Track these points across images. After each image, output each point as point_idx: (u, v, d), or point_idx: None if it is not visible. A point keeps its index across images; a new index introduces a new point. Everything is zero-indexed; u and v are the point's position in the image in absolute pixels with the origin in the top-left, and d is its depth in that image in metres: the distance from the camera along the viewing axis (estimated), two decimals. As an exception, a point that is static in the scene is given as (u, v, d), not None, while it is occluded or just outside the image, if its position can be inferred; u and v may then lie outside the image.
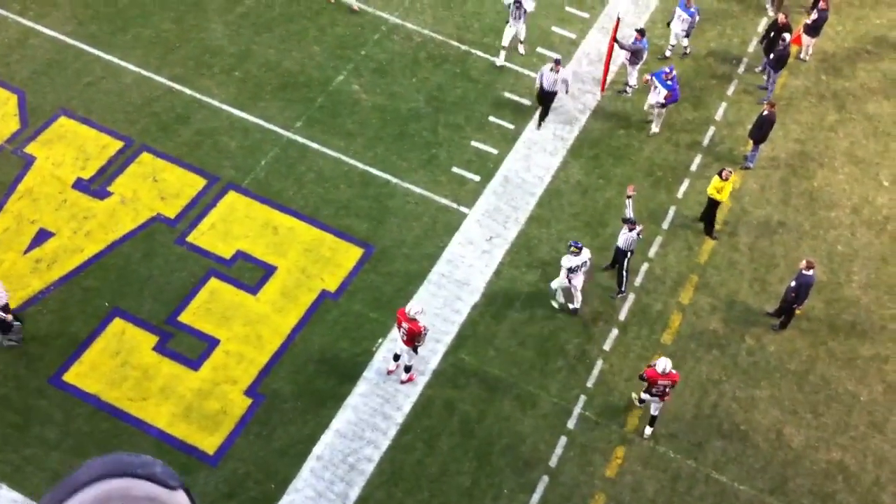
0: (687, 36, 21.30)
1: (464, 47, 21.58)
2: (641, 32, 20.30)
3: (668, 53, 21.74)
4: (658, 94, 19.44)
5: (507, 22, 20.81)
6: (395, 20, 21.94)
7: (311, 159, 19.18)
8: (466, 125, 20.07)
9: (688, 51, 21.75)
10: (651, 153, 19.92)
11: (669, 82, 19.23)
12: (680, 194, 19.33)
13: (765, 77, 21.05)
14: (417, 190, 18.88)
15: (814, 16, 21.25)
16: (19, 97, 19.50)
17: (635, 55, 20.36)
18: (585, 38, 22.08)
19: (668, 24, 21.51)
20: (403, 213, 18.49)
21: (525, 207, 18.81)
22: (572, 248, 16.52)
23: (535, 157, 19.61)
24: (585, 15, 22.58)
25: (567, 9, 22.69)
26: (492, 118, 20.18)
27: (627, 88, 20.88)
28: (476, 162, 19.44)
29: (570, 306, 17.30)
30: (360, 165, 19.15)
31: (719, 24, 22.77)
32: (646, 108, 20.26)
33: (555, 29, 22.20)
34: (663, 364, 15.18)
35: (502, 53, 21.00)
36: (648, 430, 15.99)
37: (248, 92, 20.18)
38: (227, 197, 18.40)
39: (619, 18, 20.06)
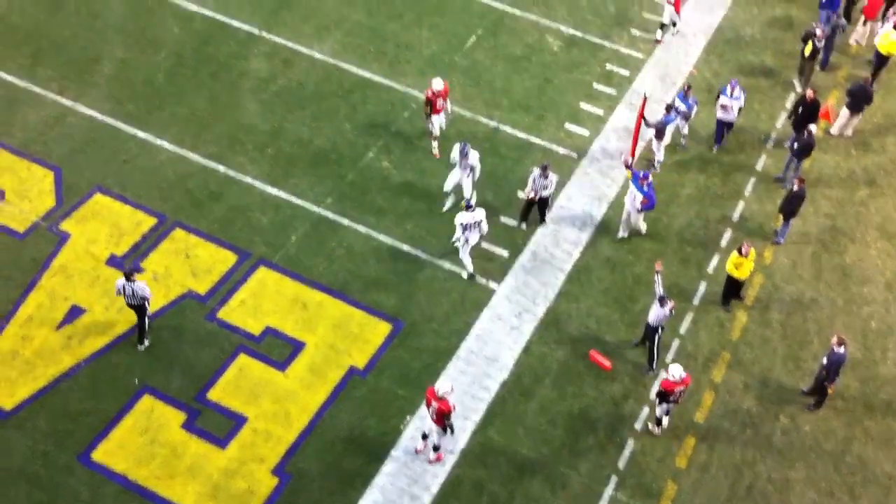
0: (686, 119, 21.08)
1: (493, 123, 21.79)
2: (668, 108, 20.45)
3: (683, 142, 21.52)
4: (634, 200, 18.87)
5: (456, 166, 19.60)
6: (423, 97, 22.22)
7: (341, 235, 19.32)
8: (494, 200, 20.16)
9: (684, 141, 21.45)
10: (680, 228, 19.87)
11: (645, 188, 18.62)
12: (710, 269, 19.22)
13: (786, 163, 20.86)
14: (447, 265, 18.92)
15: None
16: (56, 174, 19.90)
17: (662, 131, 20.48)
18: (613, 114, 22.23)
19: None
20: (432, 289, 18.51)
21: (554, 283, 18.77)
22: (468, 206, 18.19)
23: (564, 233, 19.62)
24: (613, 91, 22.78)
25: (595, 85, 22.91)
26: (520, 194, 20.26)
27: (655, 164, 20.93)
28: (504, 237, 19.48)
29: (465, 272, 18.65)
30: (390, 241, 19.25)
31: (747, 100, 22.80)
32: (624, 216, 19.47)
33: (583, 105, 22.39)
34: (678, 371, 15.61)
35: (447, 200, 19.97)
36: (658, 430, 16.59)
37: (280, 168, 20.46)
38: (258, 272, 18.54)
39: (645, 96, 20.20)
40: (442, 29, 24.20)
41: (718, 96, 20.90)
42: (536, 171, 18.98)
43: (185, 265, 18.47)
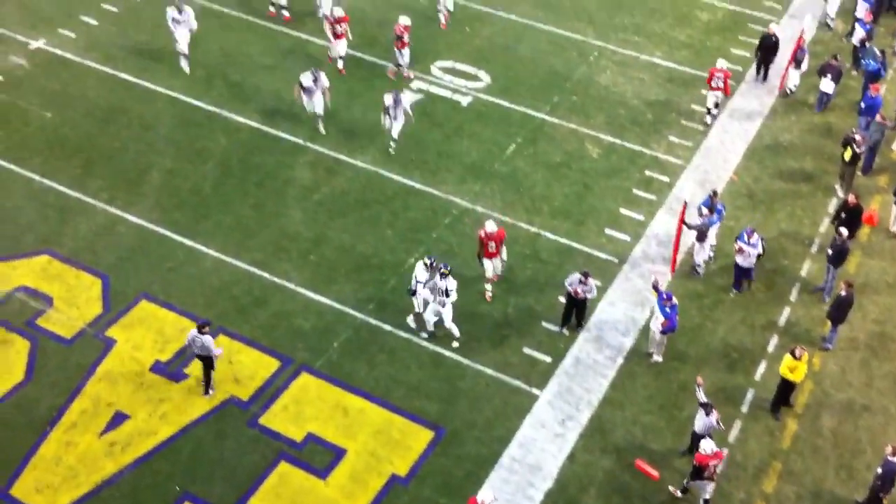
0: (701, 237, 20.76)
1: (533, 229, 21.93)
2: (711, 210, 20.47)
3: (700, 270, 20.92)
4: (656, 321, 18.61)
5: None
6: (465, 204, 22.51)
7: (383, 340, 19.32)
8: (536, 306, 20.13)
9: (712, 255, 21.07)
10: (725, 334, 19.65)
11: (668, 310, 18.35)
12: (757, 377, 18.89)
13: (825, 273, 20.68)
14: (488, 371, 18.79)
15: None
16: (103, 282, 20.23)
17: (704, 234, 20.47)
18: (654, 219, 22.30)
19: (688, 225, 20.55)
20: (474, 395, 18.36)
21: (598, 389, 18.54)
22: (426, 262, 18.98)
23: (607, 338, 19.47)
24: (653, 197, 22.91)
25: (634, 191, 23.07)
26: (562, 299, 20.20)
27: (698, 268, 20.86)
28: (546, 343, 19.37)
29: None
30: (432, 347, 19.21)
31: (788, 205, 22.87)
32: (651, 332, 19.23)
33: (623, 211, 22.51)
34: (710, 445, 15.65)
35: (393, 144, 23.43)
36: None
37: (323, 275, 20.65)
38: (300, 378, 18.53)
39: (686, 203, 20.25)
40: (482, 137, 24.65)
41: (736, 241, 20.09)
42: (576, 277, 19.02)
43: (228, 371, 18.52)
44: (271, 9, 28.83)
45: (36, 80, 25.96)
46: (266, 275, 20.60)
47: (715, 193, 20.95)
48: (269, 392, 18.21)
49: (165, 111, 25.08)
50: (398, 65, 26.37)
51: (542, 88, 26.48)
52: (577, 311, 19.46)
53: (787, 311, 20.28)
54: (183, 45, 25.97)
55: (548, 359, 19.05)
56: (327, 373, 18.62)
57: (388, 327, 19.57)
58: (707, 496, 16.31)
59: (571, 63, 27.48)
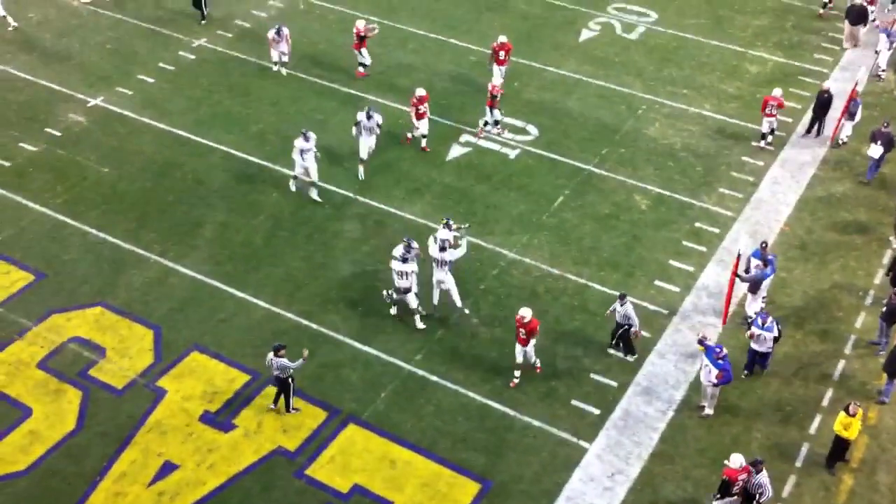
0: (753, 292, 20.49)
1: (581, 280, 21.83)
2: (764, 261, 20.21)
3: (753, 317, 20.20)
4: (710, 374, 18.17)
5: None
6: (513, 256, 22.52)
7: (430, 392, 19.27)
8: (585, 357, 19.97)
9: (764, 307, 20.69)
10: (778, 387, 19.26)
11: (721, 361, 18.01)
12: (812, 430, 18.46)
13: (878, 331, 20.25)
14: (536, 423, 18.61)
15: None
16: (155, 333, 20.51)
17: (757, 285, 20.20)
18: (704, 272, 22.08)
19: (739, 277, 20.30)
20: (522, 447, 18.16)
21: (648, 443, 18.23)
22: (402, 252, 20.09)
23: (657, 390, 19.20)
24: (703, 248, 22.72)
25: (684, 242, 22.90)
26: (611, 350, 20.05)
27: (750, 320, 20.53)
28: (595, 395, 19.16)
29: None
30: (479, 398, 19.10)
31: (842, 257, 22.52)
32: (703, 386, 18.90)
33: (672, 262, 22.34)
34: (739, 460, 16.05)
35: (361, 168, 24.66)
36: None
37: (371, 326, 20.71)
38: (347, 430, 18.51)
39: (738, 254, 20.01)
40: (530, 189, 24.71)
41: (749, 326, 19.19)
42: (617, 304, 19.32)
43: (276, 421, 18.57)
44: (360, 69, 29.29)
45: (94, 136, 26.69)
46: (314, 325, 20.72)
47: (766, 245, 20.70)
48: (316, 443, 18.20)
49: (218, 165, 25.60)
50: (491, 123, 26.78)
51: (590, 141, 26.55)
52: (622, 337, 19.72)
53: (841, 364, 19.85)
54: (364, 152, 25.16)
55: (597, 411, 18.82)
56: (374, 424, 18.58)
57: (434, 378, 19.52)
58: None
59: (620, 116, 27.55)
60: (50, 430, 18.44)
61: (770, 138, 26.09)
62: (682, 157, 25.92)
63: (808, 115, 27.11)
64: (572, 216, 23.85)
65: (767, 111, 25.64)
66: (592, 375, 19.55)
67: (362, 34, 28.62)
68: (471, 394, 19.19)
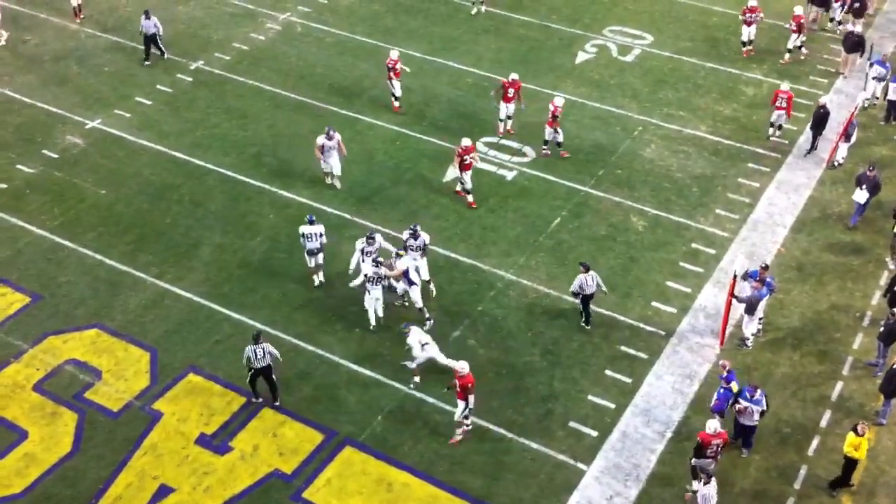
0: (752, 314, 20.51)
1: (578, 302, 21.80)
2: (761, 282, 20.21)
3: (749, 343, 20.61)
4: (752, 417, 17.99)
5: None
6: (510, 277, 22.52)
7: (427, 414, 19.20)
8: (582, 379, 19.93)
9: (759, 330, 20.83)
10: (776, 408, 19.20)
11: (721, 391, 18.06)
12: (810, 452, 18.40)
13: (877, 347, 20.23)
14: (533, 445, 18.54)
15: None
16: (151, 355, 20.45)
17: (753, 306, 20.19)
18: (701, 293, 22.08)
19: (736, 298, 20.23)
20: (519, 470, 18.09)
21: (646, 465, 18.16)
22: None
23: (655, 412, 19.15)
24: (700, 269, 22.73)
25: (681, 264, 22.92)
26: (608, 372, 20.02)
27: (746, 341, 20.54)
28: (593, 417, 19.10)
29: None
30: (476, 420, 19.03)
31: (839, 278, 22.54)
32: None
33: (669, 283, 22.34)
34: (714, 425, 16.84)
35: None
36: (699, 485, 16.56)
37: (368, 348, 20.67)
38: (344, 452, 18.43)
39: (735, 275, 20.01)
40: (526, 211, 24.74)
41: (737, 400, 17.90)
42: (587, 277, 20.55)
43: (273, 444, 18.50)
44: (396, 103, 28.84)
45: (91, 158, 26.73)
46: (311, 347, 20.68)
47: (765, 266, 20.72)
48: (312, 465, 18.12)
49: (216, 188, 25.62)
50: (553, 142, 26.86)
51: (586, 162, 26.61)
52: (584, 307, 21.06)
53: (839, 386, 19.82)
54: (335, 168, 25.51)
55: (594, 433, 18.76)
56: (371, 446, 18.51)
57: (431, 400, 19.46)
58: (711, 473, 16.64)
59: (616, 137, 27.63)
60: (46, 452, 18.36)
61: (779, 132, 27.29)
62: (679, 178, 25.99)
63: (804, 135, 27.22)
64: (569, 237, 23.86)
65: (777, 104, 26.79)
66: (590, 397, 19.50)
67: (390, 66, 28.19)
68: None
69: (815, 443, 18.58)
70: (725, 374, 18.17)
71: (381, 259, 20.99)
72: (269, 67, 31.09)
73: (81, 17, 33.50)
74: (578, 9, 34.88)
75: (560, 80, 30.56)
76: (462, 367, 18.08)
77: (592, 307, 21.25)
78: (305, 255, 22.15)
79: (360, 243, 21.43)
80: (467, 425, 18.66)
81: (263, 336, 19.13)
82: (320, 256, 22.11)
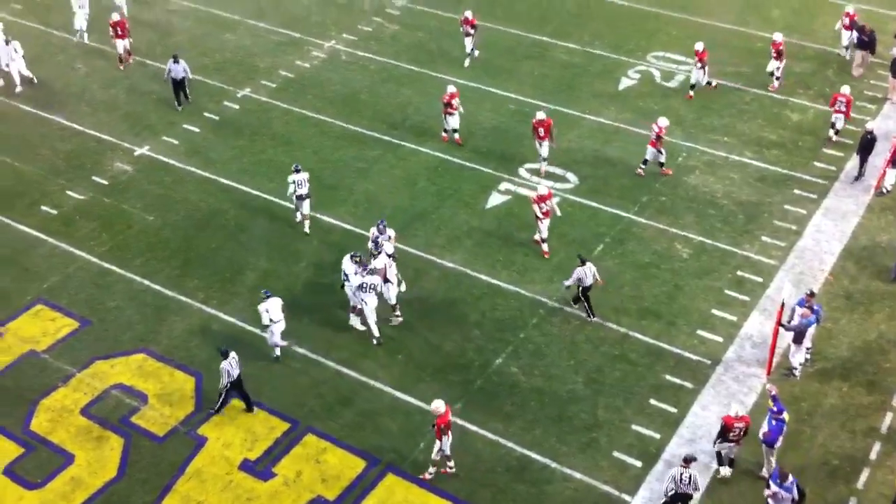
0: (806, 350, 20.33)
1: (622, 330, 21.67)
2: (809, 310, 19.92)
3: (797, 373, 20.31)
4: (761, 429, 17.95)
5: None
6: (553, 304, 22.43)
7: (469, 441, 19.13)
8: (626, 408, 19.75)
9: (807, 359, 20.51)
10: (825, 440, 18.88)
11: (774, 422, 17.63)
12: (860, 485, 18.04)
13: None
14: (577, 475, 18.39)
15: None
16: (197, 380, 20.64)
17: (801, 335, 19.91)
18: (747, 321, 21.82)
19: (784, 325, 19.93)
20: (562, 500, 17.94)
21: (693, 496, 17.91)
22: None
23: (700, 443, 18.90)
24: (746, 298, 22.47)
25: (727, 291, 22.68)
26: (653, 401, 19.82)
27: (794, 371, 20.24)
28: (637, 446, 18.91)
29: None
30: (518, 448, 18.94)
31: (888, 306, 22.16)
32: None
33: (715, 311, 22.11)
34: (736, 409, 17.47)
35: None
36: (728, 471, 17.94)
37: (410, 374, 20.69)
38: (386, 479, 18.41)
39: (782, 304, 19.75)
40: (570, 238, 24.68)
41: (768, 482, 16.85)
42: (586, 268, 21.45)
43: (316, 470, 18.54)
44: (445, 135, 28.80)
45: (139, 185, 27.17)
46: (353, 373, 20.74)
47: (811, 294, 20.44)
48: (355, 492, 18.12)
49: (261, 213, 25.89)
50: (655, 163, 27.10)
51: (630, 189, 26.50)
52: (585, 297, 21.78)
53: (889, 417, 19.43)
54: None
55: (639, 463, 18.56)
56: (414, 474, 18.47)
57: (474, 428, 19.40)
58: (731, 456, 17.71)
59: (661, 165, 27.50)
60: (92, 476, 18.56)
61: (835, 137, 27.94)
62: (724, 204, 25.77)
63: (851, 162, 26.90)
64: (612, 264, 23.73)
65: (836, 107, 27.53)
66: (634, 426, 19.32)
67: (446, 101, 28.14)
68: (510, 444, 19.04)
69: (864, 475, 18.21)
70: (773, 404, 17.84)
71: (365, 263, 21.51)
72: (314, 94, 31.44)
73: (130, 61, 33.40)
74: (621, 35, 34.87)
75: (603, 105, 30.52)
76: (435, 406, 17.74)
77: (637, 335, 21.10)
78: (295, 201, 24.58)
79: (349, 268, 21.51)
80: (450, 467, 18.27)
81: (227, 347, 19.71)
82: (307, 203, 24.60)
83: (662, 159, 26.80)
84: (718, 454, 17.97)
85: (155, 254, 24.47)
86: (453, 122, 28.28)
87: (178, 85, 30.39)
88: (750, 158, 27.74)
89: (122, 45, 32.80)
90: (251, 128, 29.75)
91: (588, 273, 21.37)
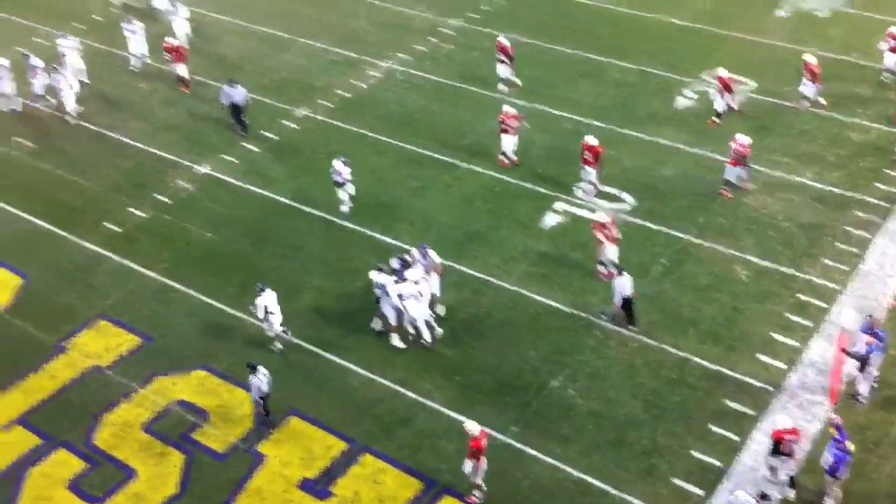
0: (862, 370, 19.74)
1: (681, 353, 21.46)
2: (875, 335, 19.56)
3: (862, 401, 19.92)
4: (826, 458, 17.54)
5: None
6: (611, 327, 22.28)
7: (526, 465, 19.05)
8: (686, 434, 19.52)
9: (873, 387, 20.03)
10: (892, 470, 18.49)
11: (837, 451, 17.26)
12: (929, 517, 17.67)
13: None
14: (636, 502, 18.20)
15: None
16: (256, 397, 20.84)
17: (865, 362, 19.55)
18: (809, 347, 21.48)
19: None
20: (622, 526, 17.80)
21: (753, 525, 17.65)
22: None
23: (763, 471, 18.62)
24: (808, 322, 22.11)
25: (788, 315, 22.35)
26: (713, 427, 19.57)
27: (860, 398, 19.87)
28: (697, 474, 18.67)
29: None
30: (576, 473, 18.81)
31: (956, 332, 21.71)
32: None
33: (776, 336, 21.79)
34: (783, 422, 17.39)
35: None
36: (791, 493, 17.61)
37: (466, 395, 20.68)
38: (443, 502, 18.40)
39: (844, 329, 19.42)
40: (626, 259, 24.42)
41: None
42: (622, 277, 21.76)
43: (373, 491, 18.58)
44: (502, 158, 28.55)
45: (200, 203, 27.56)
46: (410, 393, 20.78)
47: (873, 318, 20.07)
48: (412, 514, 18.15)
49: (317, 232, 26.10)
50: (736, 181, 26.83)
51: (687, 210, 26.27)
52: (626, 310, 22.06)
53: (959, 448, 19.01)
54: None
55: (700, 491, 18.32)
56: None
57: (531, 451, 19.31)
58: (791, 474, 17.38)
59: (718, 184, 27.20)
60: (153, 492, 18.80)
61: None
62: (784, 227, 25.42)
63: (916, 184, 26.48)
64: (670, 287, 23.52)
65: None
66: (694, 453, 19.08)
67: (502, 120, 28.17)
68: (568, 468, 18.92)
69: (933, 508, 17.83)
70: (837, 433, 17.52)
71: (399, 271, 22.07)
72: (370, 114, 31.67)
73: (188, 91, 33.70)
74: (676, 54, 34.63)
75: (659, 125, 30.33)
76: (469, 427, 17.94)
77: (697, 359, 20.91)
78: (336, 188, 26.03)
79: (382, 279, 21.88)
80: (475, 496, 18.24)
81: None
82: (350, 187, 26.05)
83: (745, 175, 26.64)
84: (763, 495, 17.60)
85: (215, 271, 24.78)
86: (509, 142, 28.26)
87: (237, 110, 30.35)
88: (810, 180, 27.35)
89: (182, 69, 33.28)
90: (309, 147, 30.04)
91: (627, 284, 21.63)
